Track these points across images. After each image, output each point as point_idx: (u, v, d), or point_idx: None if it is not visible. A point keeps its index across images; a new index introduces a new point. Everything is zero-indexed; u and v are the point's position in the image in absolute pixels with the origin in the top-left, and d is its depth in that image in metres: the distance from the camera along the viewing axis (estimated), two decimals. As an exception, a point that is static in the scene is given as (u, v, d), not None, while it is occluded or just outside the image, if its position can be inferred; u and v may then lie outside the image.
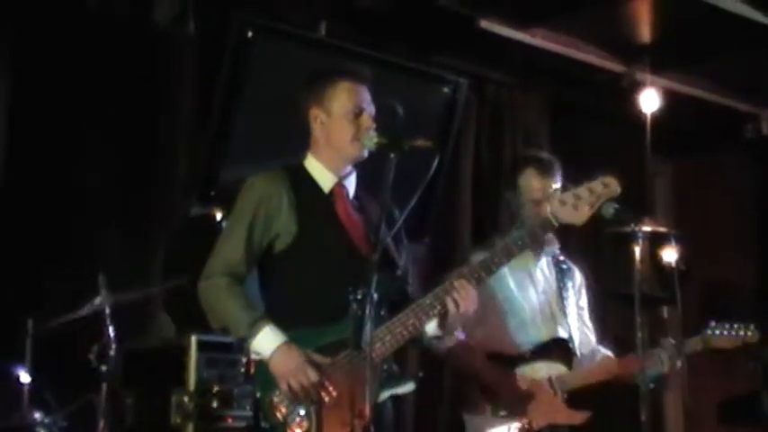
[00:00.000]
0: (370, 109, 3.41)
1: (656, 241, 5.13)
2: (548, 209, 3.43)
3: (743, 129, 7.18)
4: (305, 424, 3.15)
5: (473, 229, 6.27)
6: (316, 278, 3.30)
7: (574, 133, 6.85)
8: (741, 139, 7.20)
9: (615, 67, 6.46)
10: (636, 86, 6.38)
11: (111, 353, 2.97)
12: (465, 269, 3.33)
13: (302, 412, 3.16)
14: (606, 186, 3.46)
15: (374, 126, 3.40)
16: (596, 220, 4.17)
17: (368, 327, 2.98)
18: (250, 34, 5.11)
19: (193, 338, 4.33)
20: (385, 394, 3.24)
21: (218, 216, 4.76)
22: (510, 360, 4.01)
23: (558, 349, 4.06)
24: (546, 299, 4.15)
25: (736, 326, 4.23)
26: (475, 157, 6.42)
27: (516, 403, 3.91)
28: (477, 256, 3.55)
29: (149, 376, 4.24)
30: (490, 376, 3.96)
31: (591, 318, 4.30)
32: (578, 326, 4.21)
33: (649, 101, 6.25)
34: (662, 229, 5.47)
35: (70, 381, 3.28)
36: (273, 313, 3.30)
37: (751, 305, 6.95)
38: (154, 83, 5.13)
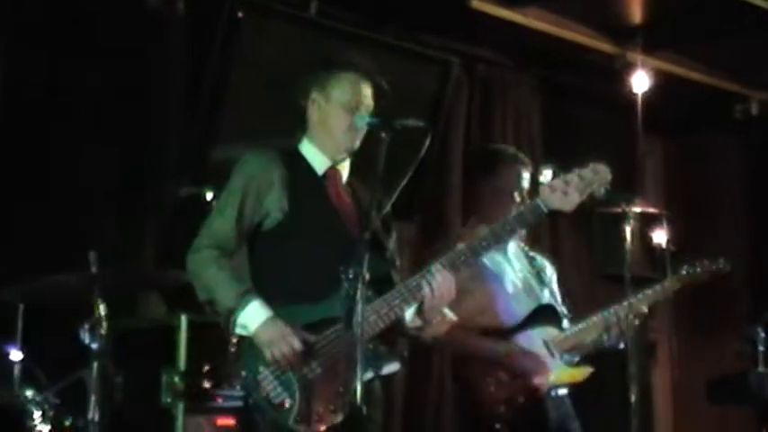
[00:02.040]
0: (368, 105, 3.42)
1: (646, 222, 5.16)
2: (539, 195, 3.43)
3: (733, 109, 7.19)
4: (289, 401, 3.18)
5: (463, 208, 6.27)
6: (304, 257, 3.32)
7: (565, 114, 6.85)
8: (731, 120, 7.21)
9: (607, 47, 6.45)
10: (627, 67, 6.38)
11: (102, 331, 2.97)
12: (450, 254, 3.33)
13: (287, 390, 3.18)
14: (597, 173, 3.46)
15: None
16: (587, 200, 4.20)
17: (359, 306, 3.00)
18: (240, 14, 5.10)
19: (183, 318, 4.34)
20: (370, 374, 3.25)
21: (209, 196, 4.76)
22: (501, 333, 4.04)
23: (547, 314, 4.10)
24: (524, 276, 4.19)
25: (706, 261, 4.27)
26: (465, 137, 6.41)
27: (520, 369, 3.94)
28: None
29: (140, 355, 4.25)
30: (489, 350, 3.98)
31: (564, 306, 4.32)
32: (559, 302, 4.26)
33: (640, 82, 6.25)
34: (652, 210, 5.51)
35: (61, 359, 3.28)
36: (260, 290, 3.31)
37: (742, 285, 6.99)
38: (143, 63, 5.11)
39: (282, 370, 3.20)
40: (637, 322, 4.04)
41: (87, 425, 3.00)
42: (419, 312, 3.35)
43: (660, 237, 5.04)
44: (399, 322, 3.38)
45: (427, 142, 3.25)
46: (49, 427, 3.23)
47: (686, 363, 6.81)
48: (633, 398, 3.84)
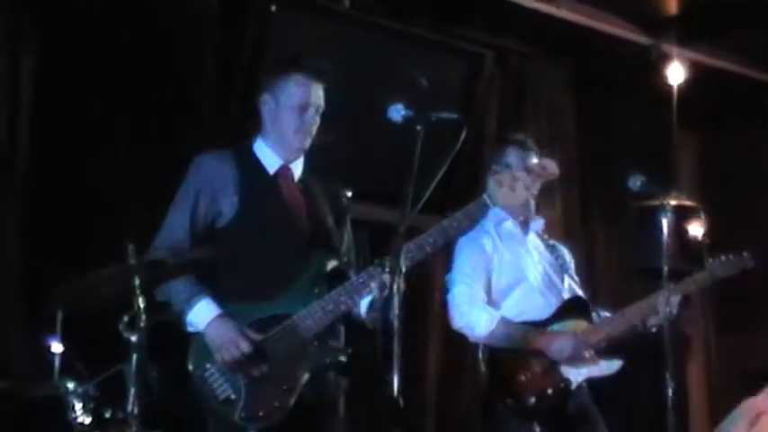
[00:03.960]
0: (317, 106, 3.49)
1: (682, 215, 5.13)
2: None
3: (769, 100, 7.13)
4: (234, 397, 3.24)
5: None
6: (256, 255, 3.38)
7: (598, 106, 6.82)
8: (767, 111, 7.14)
9: (641, 39, 6.41)
10: (662, 59, 6.34)
11: (141, 324, 3.00)
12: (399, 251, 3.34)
13: (232, 387, 3.25)
14: (544, 168, 3.49)
15: (317, 123, 3.50)
16: (622, 193, 4.19)
17: (395, 299, 3.01)
18: (273, 8, 5.11)
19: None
20: (316, 371, 3.32)
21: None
22: (533, 325, 4.05)
23: (576, 307, 4.10)
24: (543, 269, 4.18)
25: (731, 256, 4.24)
26: (498, 130, 6.39)
27: (557, 353, 3.94)
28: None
29: (177, 348, 4.27)
30: (533, 340, 3.98)
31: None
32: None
33: (675, 73, 6.21)
34: (688, 203, 5.47)
35: (101, 351, 3.32)
36: (215, 288, 3.37)
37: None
38: (177, 60, 5.13)
39: (229, 369, 3.26)
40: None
41: (127, 417, 3.03)
42: (371, 308, 3.40)
43: (696, 230, 5.01)
44: (355, 317, 3.46)
45: (463, 135, 3.26)
46: (89, 419, 3.26)
47: (721, 356, 6.76)
48: (670, 392, 3.82)
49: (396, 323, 3.02)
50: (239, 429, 3.25)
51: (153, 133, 4.99)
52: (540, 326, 4.04)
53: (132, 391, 2.98)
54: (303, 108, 3.47)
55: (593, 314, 4.12)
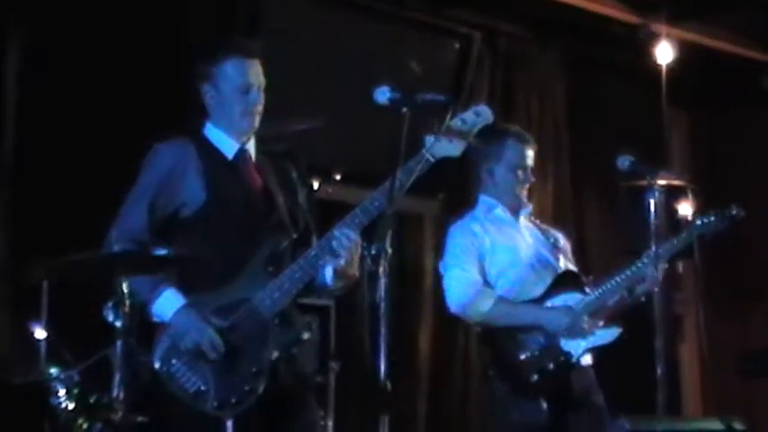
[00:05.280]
0: (259, 82, 3.45)
1: (672, 194, 5.12)
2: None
3: (760, 79, 7.11)
4: (204, 389, 3.22)
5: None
6: (224, 241, 3.35)
7: (589, 86, 6.80)
8: (758, 90, 7.12)
9: (631, 18, 6.38)
10: (652, 38, 6.32)
11: (126, 309, 2.98)
12: (346, 218, 3.34)
13: (201, 378, 3.23)
14: (479, 115, 3.42)
15: (263, 101, 3.46)
16: (613, 174, 4.18)
17: (382, 282, 3.01)
18: (264, -11, 5.10)
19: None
20: (281, 349, 3.31)
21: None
22: (529, 303, 4.06)
23: (568, 280, 4.10)
24: (536, 248, 4.19)
25: (720, 211, 4.18)
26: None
27: (555, 326, 3.95)
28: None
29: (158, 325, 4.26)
30: (531, 315, 4.00)
31: None
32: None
33: (665, 53, 6.19)
34: (678, 183, 5.46)
35: (86, 337, 3.30)
36: (180, 276, 3.33)
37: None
38: (166, 45, 5.10)
39: (196, 360, 3.24)
40: (660, 276, 4.01)
41: (112, 402, 3.01)
42: (337, 275, 3.41)
43: (685, 209, 5.00)
44: (324, 288, 3.46)
45: (450, 116, 3.25)
46: (73, 405, 3.25)
47: (713, 336, 6.75)
48: (659, 372, 3.82)
49: (383, 307, 3.01)
50: (212, 420, 3.22)
51: (141, 122, 4.96)
52: (536, 302, 4.05)
53: (117, 376, 2.97)
54: (245, 90, 3.42)
55: (586, 287, 4.11)
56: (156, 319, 3.32)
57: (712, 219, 4.18)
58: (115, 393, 2.99)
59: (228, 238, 3.35)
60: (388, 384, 2.99)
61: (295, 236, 3.44)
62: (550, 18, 6.35)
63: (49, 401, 3.25)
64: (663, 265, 4.05)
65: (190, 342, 3.24)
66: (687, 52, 6.34)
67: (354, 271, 3.39)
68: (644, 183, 4.08)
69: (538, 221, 4.33)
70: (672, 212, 5.07)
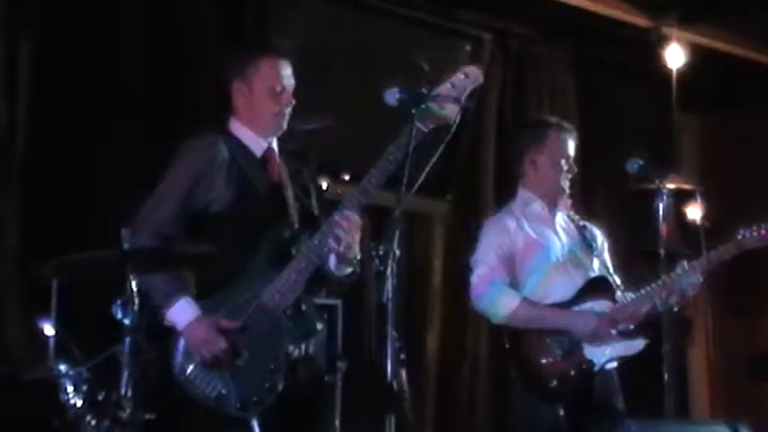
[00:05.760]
0: (290, 84, 3.47)
1: (680, 198, 5.11)
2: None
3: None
4: (225, 392, 3.23)
5: (496, 185, 6.25)
6: (248, 239, 3.35)
7: (599, 89, 6.80)
8: (769, 94, 7.12)
9: (642, 21, 6.38)
10: (662, 41, 6.31)
11: (135, 307, 3.00)
12: (343, 199, 3.35)
13: (221, 381, 3.24)
14: (467, 76, 3.34)
15: (293, 102, 3.48)
16: (623, 176, 4.17)
17: (388, 282, 3.02)
18: (272, -9, 5.11)
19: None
20: (295, 343, 3.32)
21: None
22: (556, 306, 4.03)
23: (599, 286, 4.07)
24: (570, 249, 4.15)
25: (763, 225, 4.12)
26: (498, 113, 6.37)
27: (581, 332, 3.93)
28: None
29: (172, 331, 4.27)
30: (555, 319, 3.97)
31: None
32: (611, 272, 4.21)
33: (675, 56, 6.18)
34: (687, 186, 5.45)
35: (95, 334, 3.32)
36: (202, 274, 3.34)
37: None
38: (177, 41, 5.12)
39: (211, 368, 3.25)
40: (695, 290, 4.00)
41: (120, 400, 3.03)
42: (340, 260, 3.40)
43: (694, 212, 4.99)
44: (330, 279, 3.46)
45: (458, 118, 3.25)
46: (82, 402, 3.26)
47: (722, 339, 6.75)
48: (667, 374, 3.82)
49: (390, 307, 3.02)
50: (236, 421, 3.23)
51: (150, 117, 4.98)
52: (563, 306, 4.03)
53: (126, 373, 2.98)
54: (279, 91, 3.45)
55: (618, 293, 4.07)
56: (167, 324, 3.31)
57: (755, 234, 4.10)
58: (123, 391, 3.00)
59: (245, 235, 3.35)
60: (395, 385, 3.00)
61: (302, 232, 3.43)
62: (561, 20, 6.35)
63: (57, 398, 3.27)
64: (699, 279, 4.02)
65: (205, 354, 3.25)
66: (698, 55, 6.33)
67: (355, 253, 3.38)
68: (653, 186, 4.09)
69: (577, 217, 4.28)
70: (680, 216, 5.07)
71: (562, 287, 4.06)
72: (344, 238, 3.30)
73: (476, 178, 6.27)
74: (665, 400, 3.90)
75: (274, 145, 3.54)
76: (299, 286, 3.32)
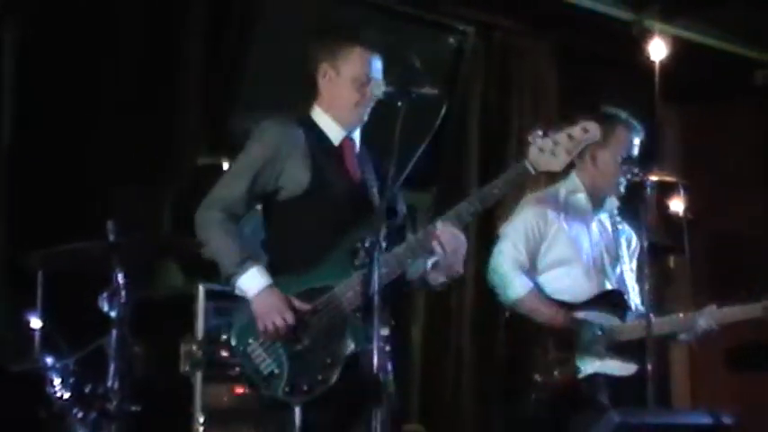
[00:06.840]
0: (378, 80, 3.41)
1: (663, 190, 5.13)
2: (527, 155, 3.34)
3: (753, 76, 7.13)
4: (277, 372, 3.21)
5: (480, 178, 6.26)
6: (318, 227, 3.33)
7: (582, 81, 6.81)
8: (751, 87, 7.15)
9: (624, 14, 6.41)
10: (645, 34, 6.33)
11: (121, 300, 3.00)
12: (450, 213, 3.33)
13: (275, 361, 3.22)
14: (586, 131, 3.37)
15: (376, 97, 3.41)
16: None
17: (375, 274, 3.03)
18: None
19: (201, 288, 4.37)
20: (359, 344, 3.26)
21: (226, 166, 4.77)
22: (565, 307, 4.02)
23: (612, 301, 4.06)
24: (599, 252, 4.13)
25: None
26: (482, 105, 6.39)
27: (577, 344, 3.94)
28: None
29: (158, 325, 4.28)
30: (558, 320, 3.97)
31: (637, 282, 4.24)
32: (632, 285, 4.18)
33: (658, 49, 6.21)
34: (670, 179, 5.47)
35: (81, 327, 3.32)
36: (272, 254, 3.36)
37: (761, 254, 6.96)
38: (163, 32, 5.11)
39: (271, 340, 3.23)
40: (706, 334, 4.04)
41: (107, 392, 3.03)
42: (436, 268, 3.37)
43: (677, 205, 5.02)
44: (425, 282, 3.42)
45: (443, 111, 3.26)
46: (68, 394, 3.27)
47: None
48: (649, 365, 3.84)
49: (376, 299, 3.03)
50: (280, 404, 3.20)
51: (137, 108, 4.97)
52: (570, 307, 4.02)
53: (112, 366, 2.98)
54: (365, 81, 3.39)
55: (629, 312, 4.06)
56: (237, 292, 3.28)
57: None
58: (110, 383, 3.01)
59: (323, 223, 3.32)
60: (381, 378, 3.01)
61: (387, 230, 3.32)
62: (545, 13, 6.36)
63: (43, 390, 3.27)
64: (715, 322, 4.05)
65: (269, 323, 3.21)
66: (680, 48, 6.35)
67: (459, 268, 3.35)
68: (637, 178, 4.11)
69: (619, 218, 4.24)
70: (664, 209, 5.09)
71: (576, 289, 4.05)
72: (440, 252, 3.27)
73: (460, 170, 6.28)
74: (647, 390, 3.92)
75: (355, 135, 3.49)
76: (393, 275, 3.26)
